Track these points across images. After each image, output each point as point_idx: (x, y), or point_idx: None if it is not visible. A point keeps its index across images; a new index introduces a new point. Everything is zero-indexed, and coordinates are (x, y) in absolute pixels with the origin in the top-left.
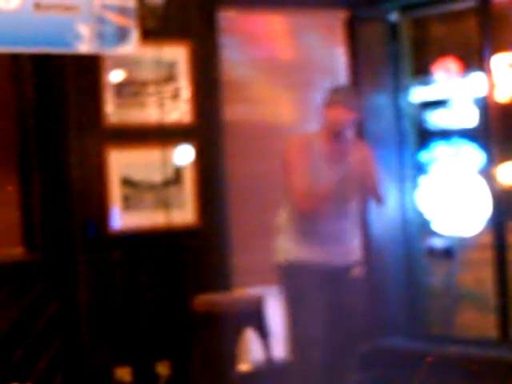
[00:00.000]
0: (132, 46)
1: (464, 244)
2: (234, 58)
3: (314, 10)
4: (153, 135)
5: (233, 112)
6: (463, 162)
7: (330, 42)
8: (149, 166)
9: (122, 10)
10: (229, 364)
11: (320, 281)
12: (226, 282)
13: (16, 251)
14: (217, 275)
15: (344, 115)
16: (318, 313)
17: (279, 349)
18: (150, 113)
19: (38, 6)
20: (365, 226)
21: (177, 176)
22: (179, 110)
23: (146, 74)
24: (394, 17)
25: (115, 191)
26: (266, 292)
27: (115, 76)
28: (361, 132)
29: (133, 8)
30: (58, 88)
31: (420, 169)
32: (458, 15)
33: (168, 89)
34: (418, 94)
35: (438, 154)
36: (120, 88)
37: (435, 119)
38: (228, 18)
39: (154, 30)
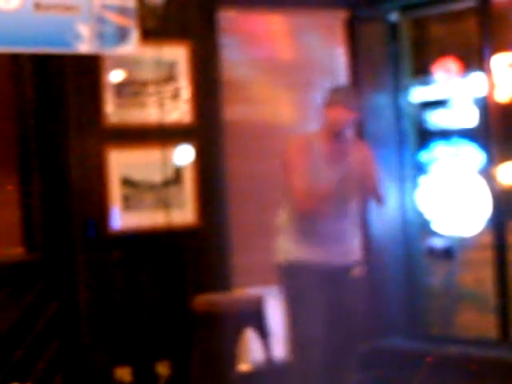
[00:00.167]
0: (132, 46)
1: (464, 244)
2: (234, 58)
3: (314, 10)
4: (153, 135)
5: (233, 112)
6: (463, 162)
7: (329, 42)
8: (149, 166)
9: (121, 10)
10: (229, 364)
11: (320, 281)
12: (226, 282)
13: (16, 251)
14: (217, 275)
15: (344, 115)
16: (317, 313)
17: (279, 349)
18: (150, 113)
19: (37, 6)
20: (365, 225)
21: (177, 176)
22: (179, 110)
23: (146, 74)
24: (393, 17)
25: (115, 191)
26: (266, 292)
27: (115, 76)
28: (361, 132)
29: (133, 8)
30: (58, 88)
31: (420, 169)
32: (458, 15)
33: (168, 89)
34: (417, 93)
35: (437, 154)
36: (120, 88)
37: (435, 119)
38: (228, 17)
39: (154, 29)
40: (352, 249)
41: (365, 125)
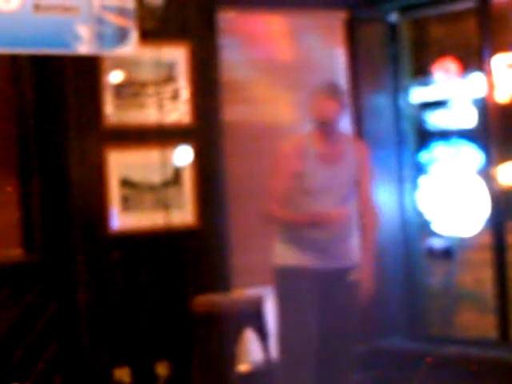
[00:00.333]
0: (131, 47)
1: (463, 244)
2: (234, 59)
3: (314, 11)
4: (152, 136)
5: (232, 112)
6: (463, 162)
7: (329, 43)
8: (148, 167)
9: (121, 11)
10: (228, 364)
11: (311, 286)
12: (226, 282)
13: (15, 252)
14: (216, 276)
15: (329, 106)
16: (308, 317)
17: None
18: (150, 113)
19: (37, 7)
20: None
21: (176, 177)
22: (178, 111)
23: (146, 74)
24: (393, 17)
25: (115, 192)
26: (266, 293)
27: (115, 77)
28: (360, 132)
29: (132, 9)
30: (58, 89)
31: (419, 169)
32: (458, 16)
33: (167, 89)
34: (417, 94)
35: (437, 155)
36: (119, 89)
37: (435, 120)
38: (227, 18)
39: (154, 30)
40: (349, 252)
41: (364, 125)
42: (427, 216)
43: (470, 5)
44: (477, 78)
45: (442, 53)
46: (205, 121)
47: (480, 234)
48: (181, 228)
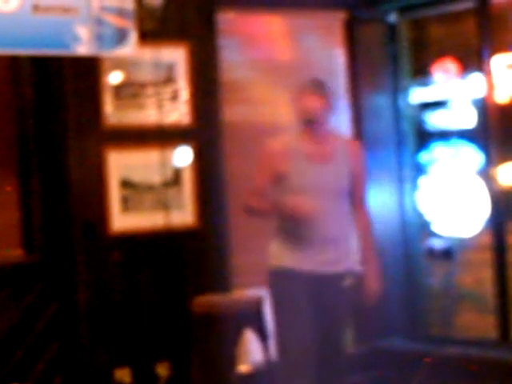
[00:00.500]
0: (130, 48)
1: (463, 245)
2: (233, 59)
3: (313, 11)
4: (152, 136)
5: (232, 113)
6: (462, 162)
7: (328, 43)
8: (148, 168)
9: (120, 12)
10: (228, 365)
11: (305, 288)
12: (226, 283)
13: (15, 253)
14: (216, 276)
15: (314, 102)
16: (303, 319)
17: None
18: (149, 114)
19: (36, 8)
20: None
21: (176, 177)
22: (178, 112)
23: (145, 75)
24: (392, 18)
25: (114, 192)
26: (266, 293)
27: (114, 77)
28: (360, 133)
29: (131, 9)
30: (57, 89)
31: (419, 170)
32: (457, 16)
33: (167, 90)
34: (417, 94)
35: (437, 155)
36: (119, 89)
37: (434, 120)
38: (227, 19)
39: (153, 31)
40: (346, 257)
41: (364, 125)
42: (427, 216)
43: (469, 5)
44: (476, 78)
45: (441, 53)
46: (204, 121)
47: (480, 234)
48: (181, 228)
